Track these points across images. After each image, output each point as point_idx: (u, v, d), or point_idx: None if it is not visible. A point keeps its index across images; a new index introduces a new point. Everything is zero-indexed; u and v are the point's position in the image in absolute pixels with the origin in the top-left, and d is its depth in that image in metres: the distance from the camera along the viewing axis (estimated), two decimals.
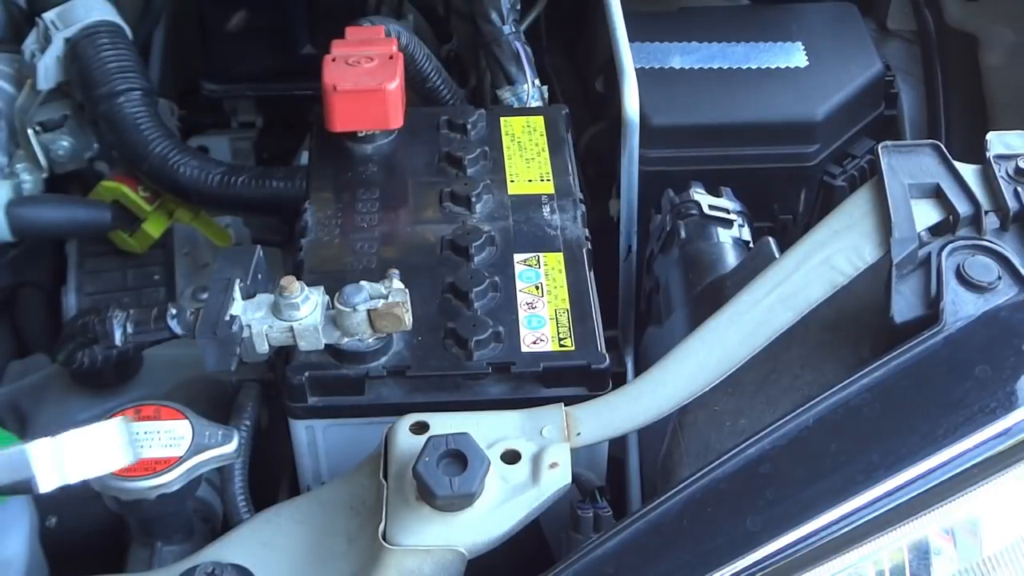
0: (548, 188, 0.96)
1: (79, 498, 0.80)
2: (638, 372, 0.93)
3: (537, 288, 0.89)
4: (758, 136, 1.15)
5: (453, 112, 1.05)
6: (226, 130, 1.35)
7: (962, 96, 1.29)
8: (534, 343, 0.85)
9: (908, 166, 0.84)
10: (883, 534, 0.66)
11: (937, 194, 0.83)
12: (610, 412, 0.77)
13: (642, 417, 0.76)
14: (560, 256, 0.92)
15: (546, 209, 0.96)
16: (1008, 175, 0.83)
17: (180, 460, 0.77)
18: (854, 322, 0.83)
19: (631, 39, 1.11)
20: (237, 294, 0.84)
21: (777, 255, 0.92)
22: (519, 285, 0.90)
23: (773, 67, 1.19)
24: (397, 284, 0.83)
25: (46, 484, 0.69)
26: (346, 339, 0.83)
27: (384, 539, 0.70)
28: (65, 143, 1.18)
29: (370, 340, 0.83)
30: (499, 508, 0.71)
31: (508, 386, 0.84)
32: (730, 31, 1.24)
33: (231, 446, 0.79)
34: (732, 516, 0.67)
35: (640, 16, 1.19)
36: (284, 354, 0.85)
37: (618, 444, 1.00)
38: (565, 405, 0.77)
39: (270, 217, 1.19)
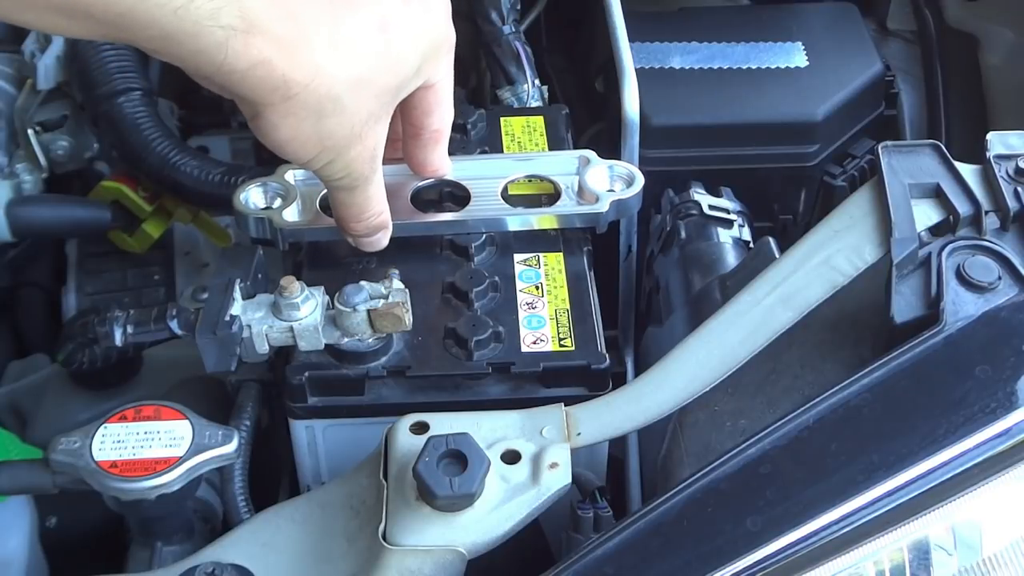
0: (548, 188, 0.96)
1: (79, 498, 0.80)
2: (638, 372, 0.93)
3: (537, 288, 0.89)
4: (758, 136, 1.15)
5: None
6: (226, 130, 1.34)
7: (962, 96, 1.29)
8: (534, 343, 0.85)
9: (908, 166, 0.84)
10: (883, 534, 0.66)
11: (937, 194, 0.83)
12: (610, 412, 0.77)
13: (642, 417, 0.76)
14: (560, 256, 0.92)
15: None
16: (1008, 175, 0.83)
17: (180, 460, 0.77)
18: (854, 322, 0.83)
19: (631, 39, 1.11)
20: (237, 294, 0.84)
21: (777, 255, 0.91)
22: (519, 285, 0.90)
23: (773, 67, 1.19)
24: (397, 284, 0.83)
25: None
26: (346, 339, 0.83)
27: (384, 539, 0.70)
28: (65, 143, 1.18)
29: (370, 340, 0.83)
30: (499, 508, 0.71)
31: (508, 386, 0.84)
32: (730, 31, 1.23)
33: (231, 446, 0.79)
34: (732, 516, 0.67)
35: (640, 16, 1.19)
36: (284, 354, 0.85)
37: (618, 444, 1.00)
38: (565, 405, 0.77)
39: None
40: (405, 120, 0.87)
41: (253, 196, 0.93)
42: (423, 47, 0.79)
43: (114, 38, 0.66)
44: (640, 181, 0.94)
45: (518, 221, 0.92)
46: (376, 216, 0.85)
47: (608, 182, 0.94)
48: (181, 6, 0.64)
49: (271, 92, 0.70)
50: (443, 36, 0.81)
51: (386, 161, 0.83)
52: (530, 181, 0.97)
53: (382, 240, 0.87)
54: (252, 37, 0.67)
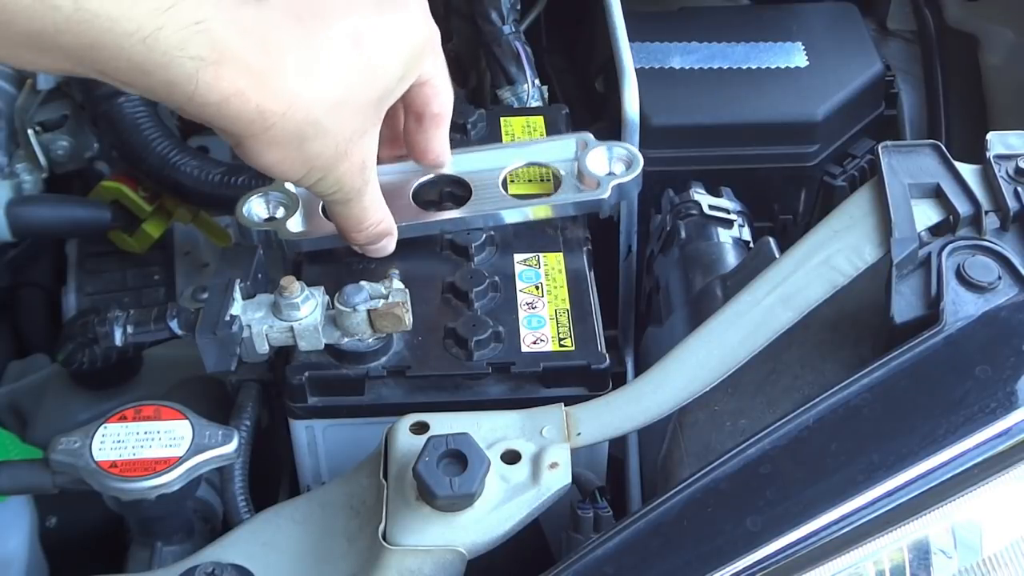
0: (548, 182, 0.96)
1: (79, 498, 0.80)
2: (638, 372, 0.93)
3: (537, 288, 0.89)
4: (758, 136, 1.15)
5: (453, 112, 1.05)
6: None
7: (962, 96, 1.29)
8: (534, 343, 0.85)
9: (908, 166, 0.84)
10: (883, 534, 0.66)
11: (937, 194, 0.83)
12: (610, 412, 0.77)
13: (642, 417, 0.76)
14: (560, 256, 0.92)
15: None
16: (1008, 175, 0.83)
17: (180, 460, 0.77)
18: (854, 322, 0.83)
19: (631, 39, 1.11)
20: (237, 294, 0.84)
21: (777, 255, 0.91)
22: (519, 285, 0.90)
23: (773, 67, 1.19)
24: (397, 284, 0.83)
25: None
26: (346, 339, 0.83)
27: (384, 539, 0.70)
28: (65, 143, 1.18)
29: (370, 340, 0.83)
30: (499, 508, 0.71)
31: (508, 386, 0.84)
32: (730, 31, 1.24)
33: (231, 446, 0.79)
34: (732, 516, 0.67)
35: (640, 16, 1.19)
36: (284, 354, 0.85)
37: (618, 444, 1.00)
38: (565, 405, 0.77)
39: None
40: (405, 110, 0.87)
41: (255, 207, 0.92)
42: (404, 54, 0.77)
43: (84, 73, 0.65)
44: (640, 162, 0.94)
45: (520, 213, 0.93)
46: (375, 225, 0.85)
47: (607, 164, 0.95)
48: (150, 35, 0.63)
49: (248, 124, 0.69)
50: (424, 37, 0.80)
51: (386, 160, 0.83)
52: (530, 177, 0.97)
53: (388, 246, 0.87)
54: (223, 68, 0.66)
